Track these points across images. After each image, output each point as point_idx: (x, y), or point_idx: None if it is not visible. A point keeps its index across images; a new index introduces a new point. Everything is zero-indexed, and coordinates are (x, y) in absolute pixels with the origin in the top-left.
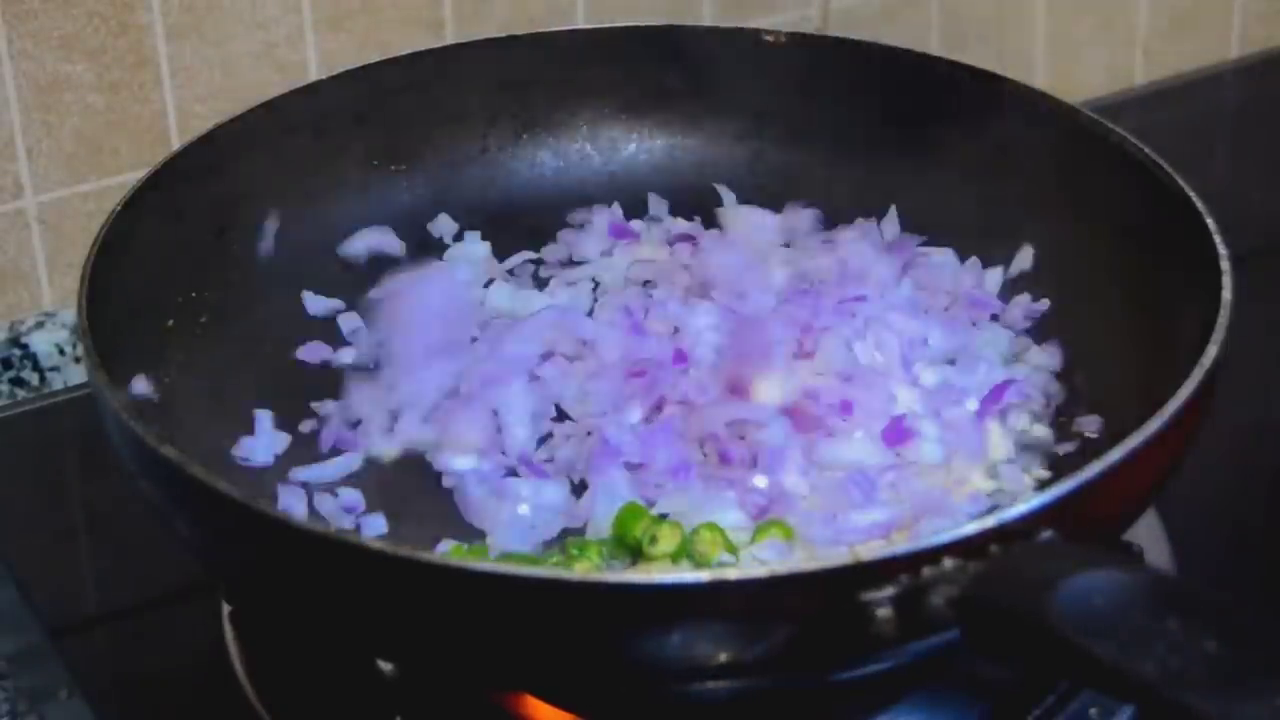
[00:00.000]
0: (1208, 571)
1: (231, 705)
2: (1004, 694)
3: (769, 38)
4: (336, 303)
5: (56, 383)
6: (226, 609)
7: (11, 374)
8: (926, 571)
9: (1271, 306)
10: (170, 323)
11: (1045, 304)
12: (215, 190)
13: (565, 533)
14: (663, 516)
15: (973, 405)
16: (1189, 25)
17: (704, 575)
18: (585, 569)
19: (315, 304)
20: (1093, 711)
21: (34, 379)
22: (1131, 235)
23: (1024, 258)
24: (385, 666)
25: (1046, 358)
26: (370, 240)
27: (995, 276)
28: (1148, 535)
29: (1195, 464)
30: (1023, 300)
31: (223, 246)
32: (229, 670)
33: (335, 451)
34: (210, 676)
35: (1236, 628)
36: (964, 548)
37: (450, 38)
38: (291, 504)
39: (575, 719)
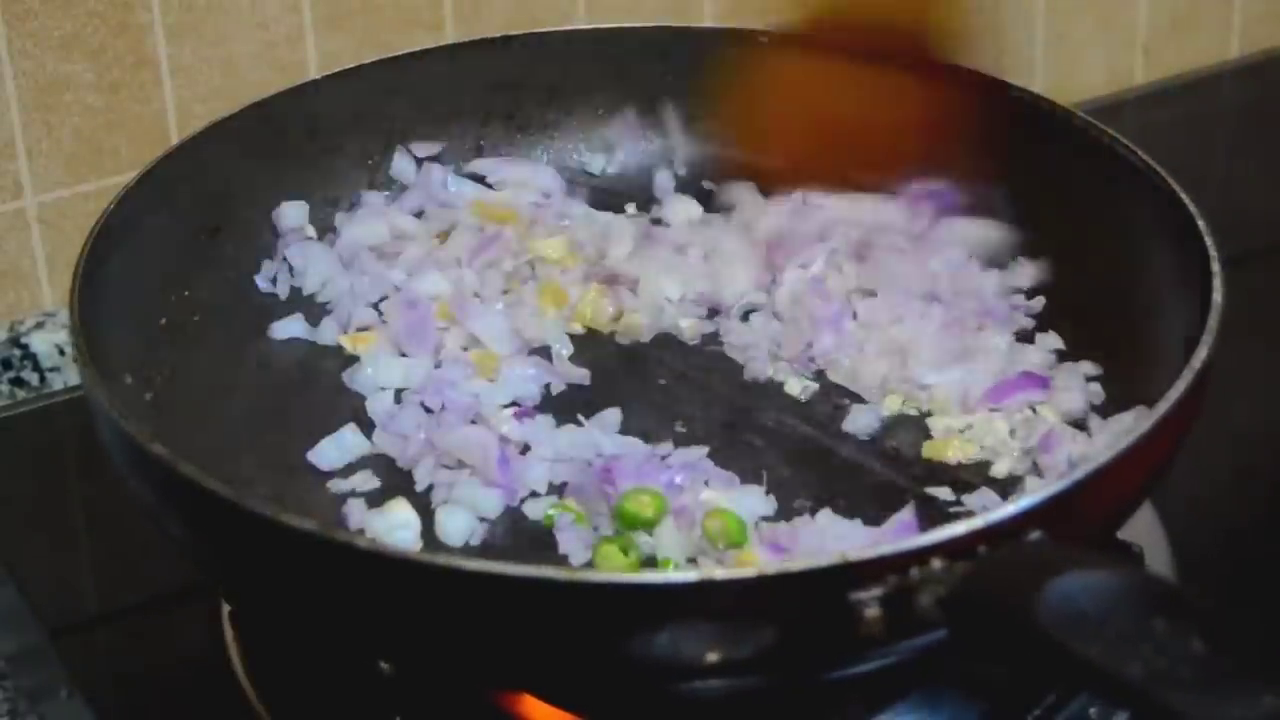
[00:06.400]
0: (1207, 571)
1: (231, 705)
2: (1004, 694)
3: (764, 39)
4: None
5: (56, 383)
6: (226, 609)
7: (11, 374)
8: (915, 572)
9: (1272, 306)
10: (163, 321)
11: (1041, 302)
12: (209, 189)
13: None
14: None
15: (973, 403)
16: (1189, 25)
17: (691, 575)
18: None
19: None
20: (1092, 712)
21: (34, 379)
22: (1125, 237)
23: (1023, 266)
24: (385, 666)
25: (1041, 356)
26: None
27: (992, 279)
28: (1148, 535)
29: (1195, 464)
30: (1018, 300)
31: (216, 245)
32: (229, 670)
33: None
34: (210, 676)
35: (1222, 629)
36: (952, 548)
37: (450, 38)
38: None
39: (573, 718)
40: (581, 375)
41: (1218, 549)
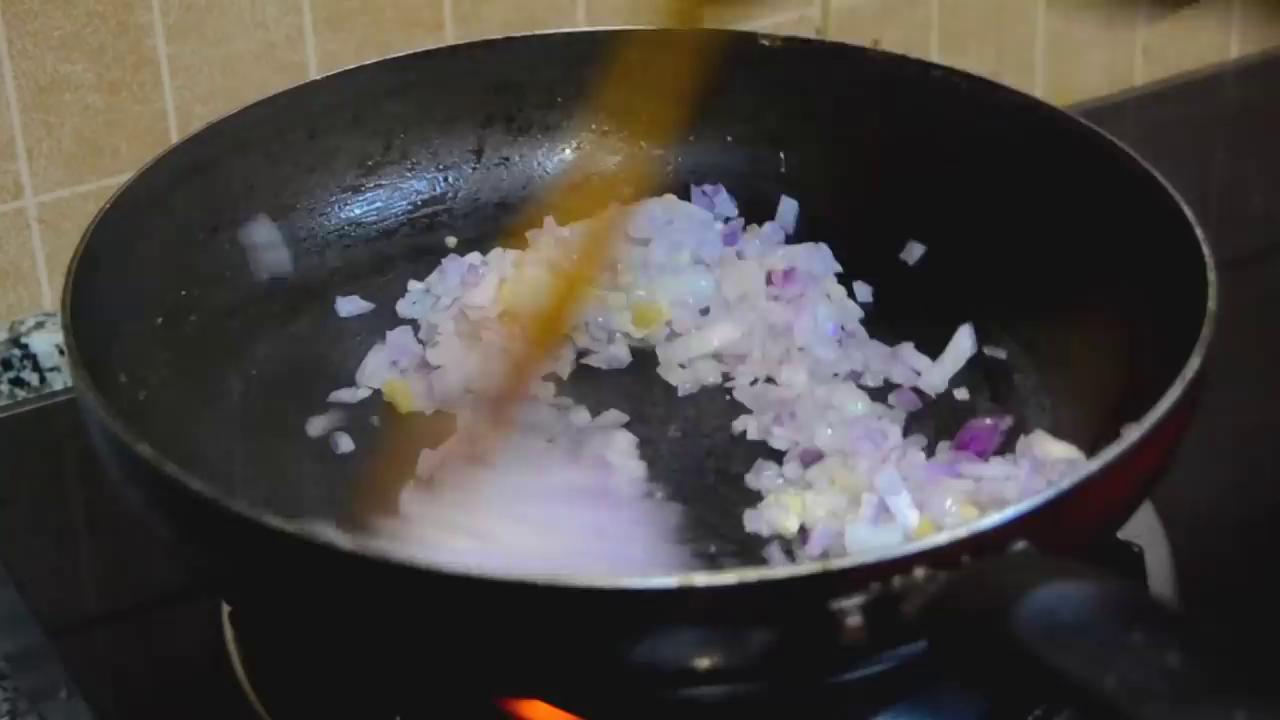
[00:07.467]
0: (1207, 572)
1: (231, 705)
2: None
3: (765, 41)
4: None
5: (56, 383)
6: (226, 609)
7: (11, 374)
8: (897, 581)
9: (1272, 307)
10: (159, 321)
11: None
12: (207, 189)
13: None
14: None
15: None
16: (1189, 25)
17: (671, 581)
18: None
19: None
20: None
21: (34, 379)
22: (1120, 241)
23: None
24: (384, 667)
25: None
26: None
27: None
28: (1148, 535)
29: (1195, 464)
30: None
31: (214, 246)
32: (229, 670)
33: None
34: (210, 676)
35: (1199, 641)
36: (935, 557)
37: (450, 38)
38: None
39: (571, 719)
40: (581, 383)
41: (1218, 549)
